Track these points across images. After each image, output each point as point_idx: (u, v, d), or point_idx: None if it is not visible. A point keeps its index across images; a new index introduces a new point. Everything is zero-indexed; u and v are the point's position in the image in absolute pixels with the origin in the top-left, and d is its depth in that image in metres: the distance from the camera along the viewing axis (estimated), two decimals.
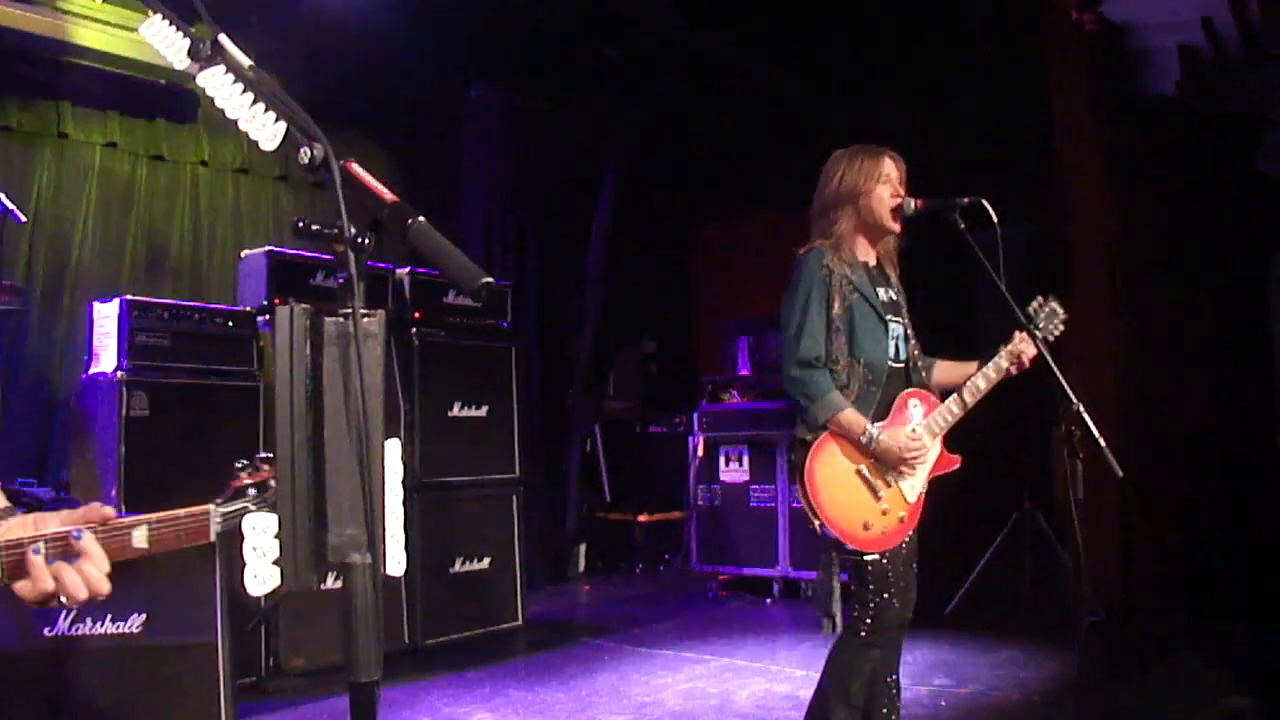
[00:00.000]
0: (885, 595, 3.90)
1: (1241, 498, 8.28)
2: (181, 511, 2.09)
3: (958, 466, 4.09)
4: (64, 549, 1.93)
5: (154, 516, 2.04)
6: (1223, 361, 8.37)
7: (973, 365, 4.16)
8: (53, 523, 1.98)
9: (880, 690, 4.09)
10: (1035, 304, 4.23)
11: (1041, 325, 4.19)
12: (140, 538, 2.03)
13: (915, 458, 3.89)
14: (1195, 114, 8.11)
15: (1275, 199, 8.26)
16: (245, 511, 2.11)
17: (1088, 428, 3.77)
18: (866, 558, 3.87)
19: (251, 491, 2.14)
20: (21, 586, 1.93)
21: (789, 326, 4.03)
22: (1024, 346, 4.07)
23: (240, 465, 2.16)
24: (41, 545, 1.91)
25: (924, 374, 4.22)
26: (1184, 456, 7.95)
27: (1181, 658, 4.77)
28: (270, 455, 2.06)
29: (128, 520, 2.00)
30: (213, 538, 2.12)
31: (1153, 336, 7.88)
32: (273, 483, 2.08)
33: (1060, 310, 4.23)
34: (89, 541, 1.94)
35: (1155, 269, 7.98)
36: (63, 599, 1.92)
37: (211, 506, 2.12)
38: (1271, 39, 7.39)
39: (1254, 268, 8.83)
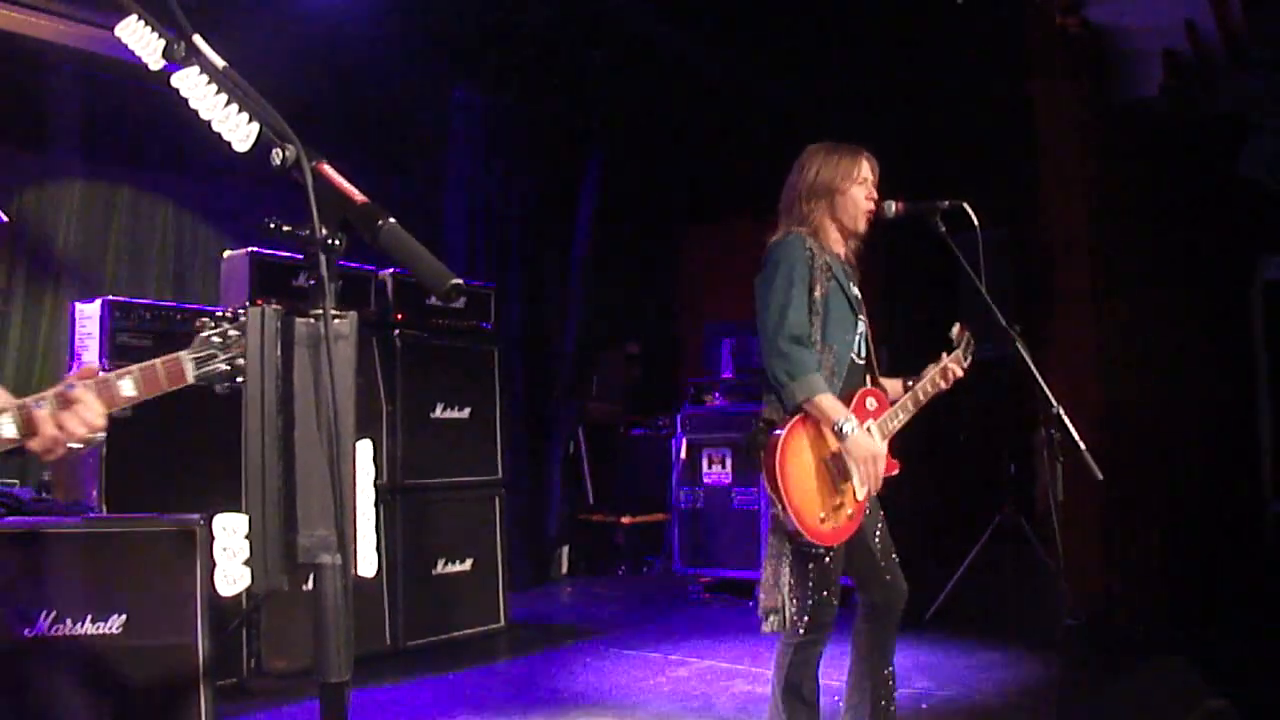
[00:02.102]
0: (824, 593, 3.90)
1: (1223, 500, 8.31)
2: (158, 360, 2.43)
3: (897, 472, 4.11)
4: (63, 401, 2.33)
5: (135, 367, 2.40)
6: (1205, 365, 8.40)
7: (898, 382, 4.23)
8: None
9: (879, 684, 4.12)
10: (955, 331, 4.31)
11: (962, 350, 4.27)
12: (128, 385, 2.39)
13: (878, 473, 3.89)
14: (1178, 118, 8.14)
15: (1258, 203, 8.29)
16: (213, 357, 2.41)
17: (1068, 431, 3.79)
18: (816, 551, 3.87)
19: (215, 340, 2.43)
20: (33, 442, 2.33)
21: (772, 304, 3.97)
22: (953, 364, 4.18)
23: (204, 321, 2.47)
24: (45, 401, 2.33)
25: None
26: (1165, 459, 7.97)
27: (1162, 660, 4.76)
28: (233, 313, 2.43)
29: (115, 373, 2.38)
30: (190, 379, 2.42)
31: (1134, 339, 7.90)
32: (233, 333, 2.39)
33: (968, 340, 4.33)
34: (81, 390, 2.33)
35: (1138, 272, 8.00)
36: (70, 443, 2.32)
37: (183, 353, 2.43)
38: (1254, 43, 7.41)
39: (1237, 271, 8.87)
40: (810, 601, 3.87)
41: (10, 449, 2.39)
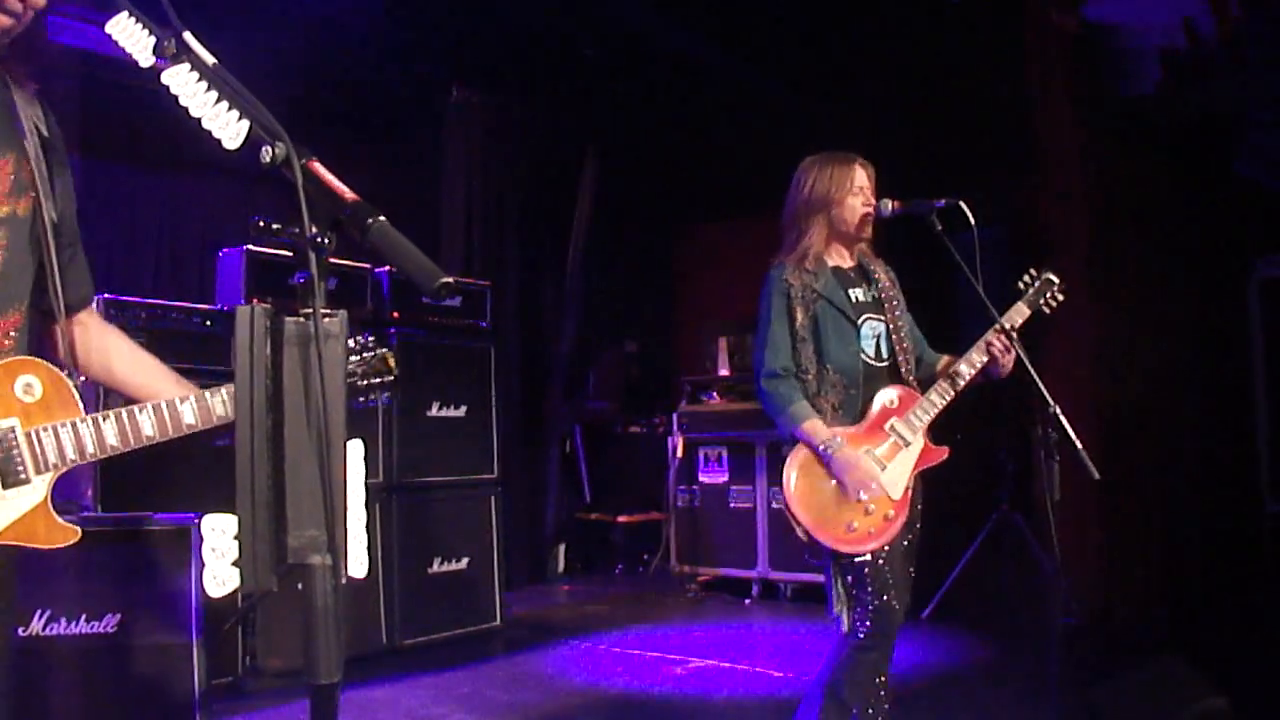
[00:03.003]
0: (885, 598, 3.88)
1: (1220, 499, 8.31)
2: None
3: (945, 458, 4.09)
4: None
5: None
6: (1201, 363, 8.40)
7: (948, 360, 4.18)
8: None
9: (870, 690, 4.09)
10: (1028, 277, 4.24)
11: (1033, 298, 4.19)
12: None
13: (867, 481, 3.85)
14: (1175, 115, 8.13)
15: (1255, 202, 8.28)
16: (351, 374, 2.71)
17: (1065, 431, 3.77)
18: (859, 559, 3.87)
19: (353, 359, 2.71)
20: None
21: (756, 346, 4.08)
22: (1001, 335, 4.08)
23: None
24: (218, 393, 2.53)
25: (930, 368, 4.22)
26: (1163, 458, 7.97)
27: (1159, 659, 4.76)
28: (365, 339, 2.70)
29: None
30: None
31: (1131, 338, 7.89)
32: (368, 352, 2.75)
33: (1055, 278, 4.24)
34: None
35: (1134, 271, 8.00)
36: None
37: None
38: (1251, 41, 7.40)
39: (1233, 270, 8.86)
40: (870, 607, 3.87)
41: (187, 434, 2.53)
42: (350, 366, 2.67)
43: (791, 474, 3.87)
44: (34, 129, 2.50)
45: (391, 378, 2.78)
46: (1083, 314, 7.65)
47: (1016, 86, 8.05)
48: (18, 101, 2.47)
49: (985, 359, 4.07)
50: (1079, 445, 3.75)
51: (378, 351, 2.76)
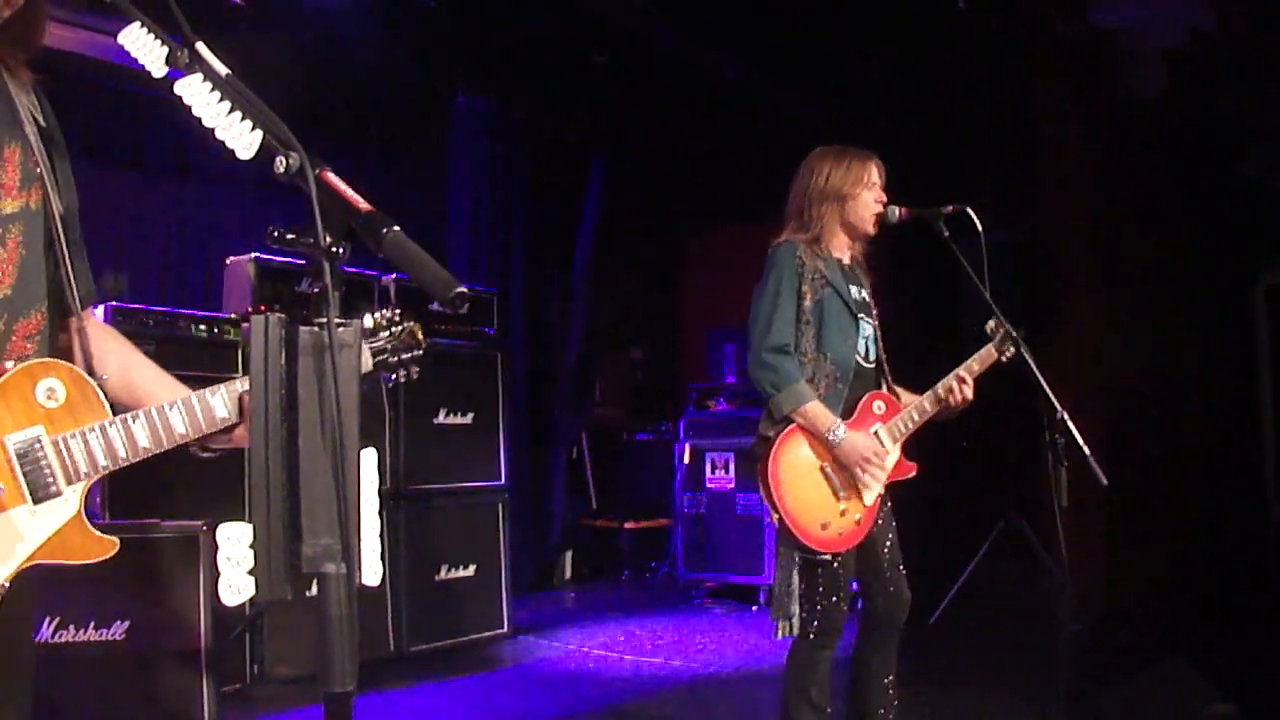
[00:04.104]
0: (834, 599, 3.90)
1: (1226, 505, 8.30)
2: None
3: (913, 474, 4.11)
4: None
5: None
6: (1208, 370, 8.39)
7: (915, 398, 4.19)
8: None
9: (877, 693, 4.11)
10: (991, 324, 4.24)
11: (998, 345, 4.20)
12: None
13: (878, 462, 3.88)
14: (1180, 119, 8.13)
15: (1261, 207, 8.27)
16: (383, 350, 2.67)
17: (1072, 436, 3.78)
18: (820, 558, 3.88)
19: (385, 335, 2.66)
20: (239, 432, 2.43)
21: (758, 316, 4.04)
22: (962, 382, 4.10)
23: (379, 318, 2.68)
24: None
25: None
26: (1169, 463, 7.95)
27: (1166, 665, 4.76)
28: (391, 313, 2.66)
29: None
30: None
31: (1139, 343, 7.89)
32: (398, 328, 2.67)
33: (1015, 334, 4.25)
34: None
35: (1142, 275, 7.99)
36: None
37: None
38: (1256, 45, 7.41)
39: (1241, 274, 8.85)
40: (820, 607, 3.88)
41: (219, 430, 2.41)
42: (380, 343, 2.65)
43: (779, 458, 3.86)
44: (31, 118, 2.41)
45: (421, 351, 2.75)
46: (1087, 320, 7.65)
47: (1021, 91, 8.05)
48: (13, 90, 2.39)
49: (945, 400, 4.10)
50: (1086, 451, 3.75)
51: (406, 325, 2.72)
